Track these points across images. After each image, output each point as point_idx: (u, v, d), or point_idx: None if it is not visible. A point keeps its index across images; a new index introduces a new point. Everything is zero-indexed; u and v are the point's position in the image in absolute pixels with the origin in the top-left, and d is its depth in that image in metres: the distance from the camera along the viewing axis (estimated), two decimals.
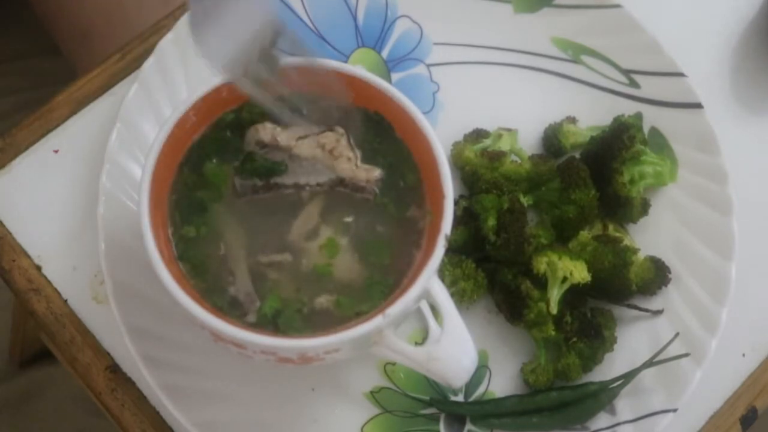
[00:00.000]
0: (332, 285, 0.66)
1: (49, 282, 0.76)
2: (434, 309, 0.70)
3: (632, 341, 0.77)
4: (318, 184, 0.69)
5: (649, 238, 0.79)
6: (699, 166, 0.80)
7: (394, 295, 0.65)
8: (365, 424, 0.73)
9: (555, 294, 0.74)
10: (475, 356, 0.66)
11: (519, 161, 0.80)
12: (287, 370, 0.73)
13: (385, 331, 0.64)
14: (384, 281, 0.66)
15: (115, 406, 0.73)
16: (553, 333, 0.74)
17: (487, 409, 0.74)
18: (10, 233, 0.77)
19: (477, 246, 0.76)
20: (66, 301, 0.75)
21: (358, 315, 0.65)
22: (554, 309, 0.74)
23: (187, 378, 0.72)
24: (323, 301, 0.65)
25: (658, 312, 0.77)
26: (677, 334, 0.75)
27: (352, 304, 0.65)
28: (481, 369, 0.76)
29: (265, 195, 0.69)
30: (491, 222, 0.75)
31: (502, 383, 0.76)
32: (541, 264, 0.74)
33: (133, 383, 0.73)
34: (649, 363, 0.74)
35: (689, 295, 0.77)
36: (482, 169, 0.78)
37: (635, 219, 0.79)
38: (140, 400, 0.73)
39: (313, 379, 0.74)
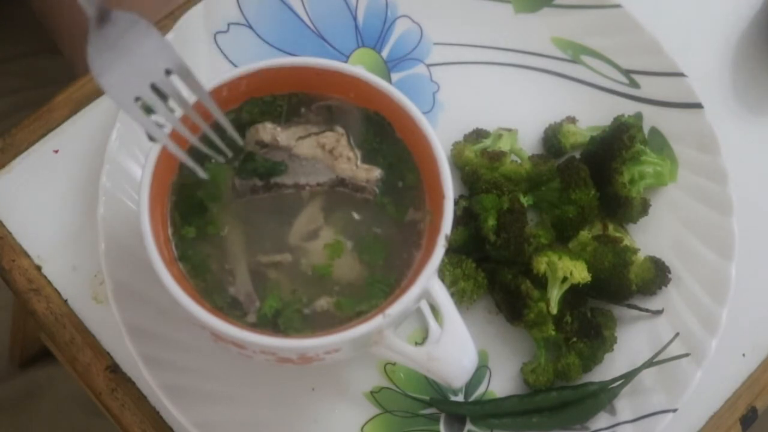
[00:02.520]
0: (332, 285, 0.66)
1: (49, 282, 0.76)
2: (434, 309, 0.70)
3: (632, 341, 0.77)
4: (318, 184, 0.69)
5: (649, 238, 0.79)
6: (699, 166, 0.80)
7: (394, 295, 0.65)
8: (365, 424, 0.73)
9: (555, 294, 0.74)
10: (475, 356, 0.65)
11: (519, 161, 0.80)
12: (287, 370, 0.73)
13: (385, 331, 0.64)
14: (384, 281, 0.66)
15: (115, 406, 0.73)
16: (553, 333, 0.74)
17: (487, 409, 0.74)
18: (10, 233, 0.77)
19: (477, 246, 0.76)
20: (66, 301, 0.75)
21: (359, 315, 0.65)
22: (554, 309, 0.74)
23: (187, 378, 0.71)
24: (323, 302, 0.65)
25: (658, 312, 0.77)
26: (677, 334, 0.75)
27: (353, 304, 0.65)
28: (481, 369, 0.76)
29: (265, 195, 0.69)
30: (491, 222, 0.75)
31: (502, 383, 0.76)
32: (541, 264, 0.74)
33: (133, 383, 0.73)
34: (649, 363, 0.74)
35: (689, 295, 0.77)
36: (482, 169, 0.78)
37: (635, 219, 0.79)
38: (140, 400, 0.73)
39: (313, 379, 0.74)
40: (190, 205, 0.68)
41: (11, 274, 0.76)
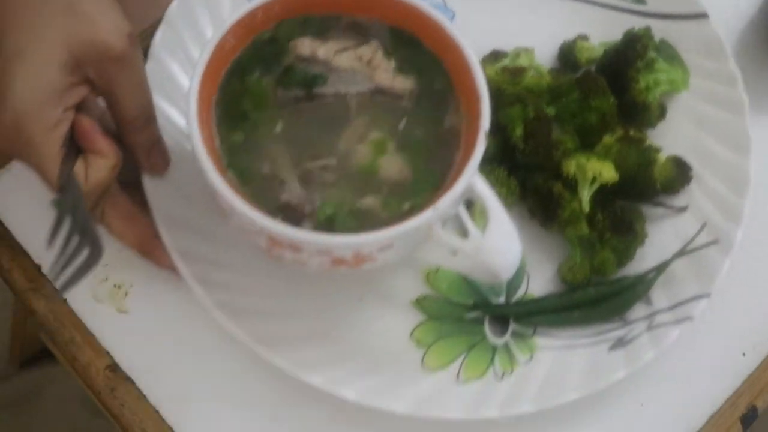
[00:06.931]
0: (380, 186, 0.68)
1: (48, 281, 0.75)
2: (472, 213, 0.73)
3: (660, 237, 0.79)
4: (358, 93, 0.71)
5: (667, 142, 0.82)
6: (709, 72, 0.84)
7: (441, 190, 0.67)
8: (414, 330, 0.76)
9: (585, 194, 0.77)
10: (520, 247, 0.68)
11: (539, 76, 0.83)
12: (336, 282, 0.75)
13: (434, 226, 0.66)
14: (429, 181, 0.69)
15: (114, 405, 0.73)
16: (586, 231, 0.77)
17: (530, 308, 0.77)
18: (10, 232, 0.76)
19: (507, 156, 0.79)
20: (65, 300, 0.75)
21: (409, 212, 0.67)
22: (586, 207, 0.76)
23: (239, 296, 0.73)
24: (373, 201, 0.67)
25: (683, 209, 0.80)
26: (704, 225, 0.78)
27: (401, 203, 0.68)
28: (520, 273, 0.79)
29: (307, 105, 0.70)
30: (518, 131, 0.78)
31: (540, 285, 0.79)
32: (570, 166, 0.77)
33: (132, 382, 0.73)
34: (680, 253, 0.77)
35: (711, 191, 0.80)
36: (505, 84, 0.80)
37: (654, 123, 0.82)
38: (140, 399, 0.73)
39: (360, 290, 0.76)
40: (234, 117, 0.70)
41: (11, 273, 0.75)
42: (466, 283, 0.78)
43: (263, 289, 0.75)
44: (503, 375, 0.75)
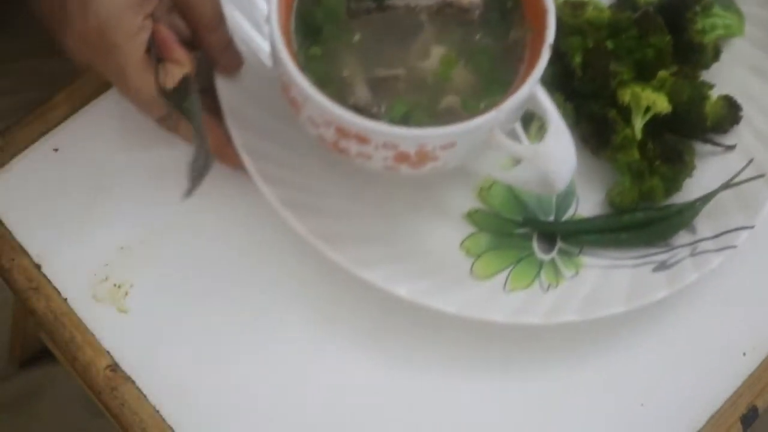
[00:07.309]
0: (451, 90, 0.71)
1: (48, 281, 0.75)
2: (528, 135, 0.76)
3: (708, 172, 0.82)
4: (427, 6, 0.74)
5: (720, 84, 0.84)
6: (763, 21, 0.86)
7: (505, 95, 0.70)
8: (464, 240, 0.79)
9: (639, 122, 0.79)
10: (575, 158, 0.70)
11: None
12: (394, 189, 0.79)
13: (496, 130, 0.69)
14: (495, 89, 0.71)
15: (114, 405, 0.73)
16: (637, 157, 0.79)
17: (578, 227, 0.79)
18: (10, 232, 0.76)
19: (565, 83, 0.82)
20: (65, 299, 0.75)
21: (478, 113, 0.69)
22: (639, 135, 0.79)
23: (303, 195, 0.76)
24: (449, 100, 0.70)
25: (731, 147, 0.83)
26: (751, 160, 0.81)
27: (476, 104, 0.71)
28: (569, 195, 0.81)
29: (379, 16, 0.73)
30: (578, 59, 0.81)
31: (588, 209, 0.81)
32: (625, 95, 0.80)
33: (132, 382, 0.73)
34: (727, 185, 0.80)
35: (760, 133, 0.83)
36: (566, 17, 0.83)
37: (708, 64, 0.84)
38: (140, 399, 0.73)
39: (415, 199, 0.79)
40: (309, 25, 0.73)
41: (10, 272, 0.75)
42: (517, 200, 0.81)
43: (325, 189, 0.78)
44: (548, 287, 0.77)
